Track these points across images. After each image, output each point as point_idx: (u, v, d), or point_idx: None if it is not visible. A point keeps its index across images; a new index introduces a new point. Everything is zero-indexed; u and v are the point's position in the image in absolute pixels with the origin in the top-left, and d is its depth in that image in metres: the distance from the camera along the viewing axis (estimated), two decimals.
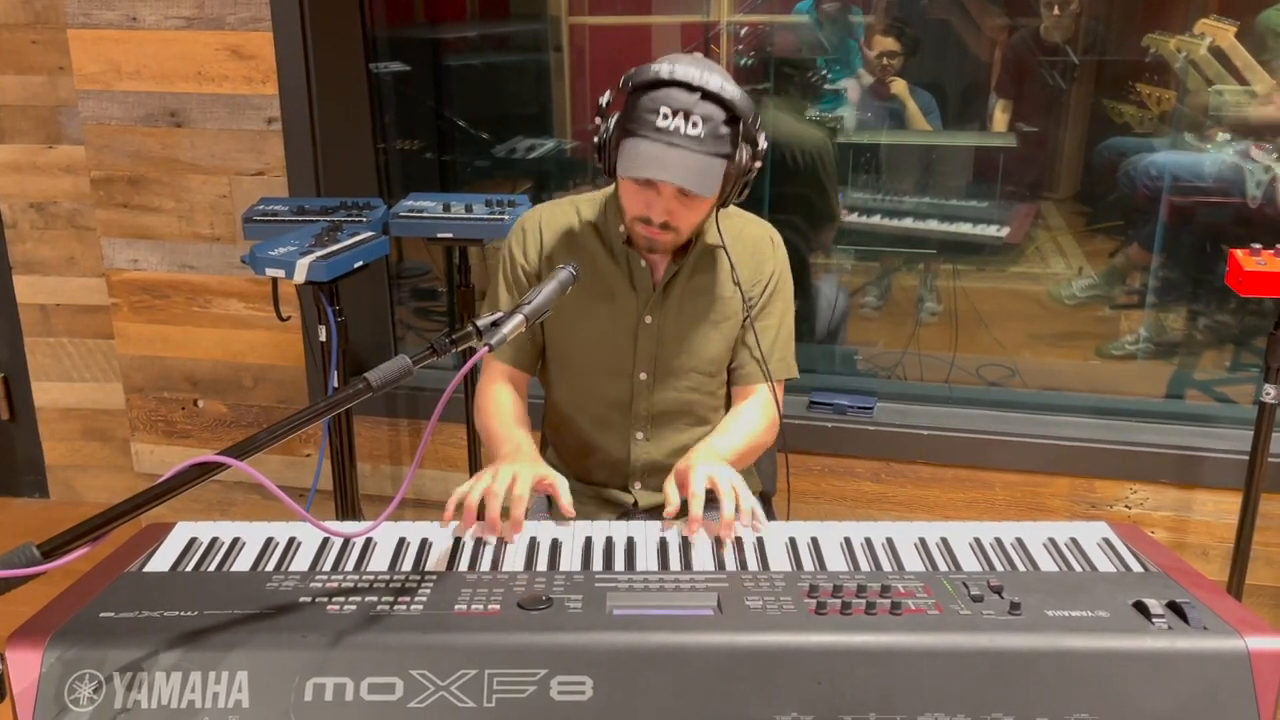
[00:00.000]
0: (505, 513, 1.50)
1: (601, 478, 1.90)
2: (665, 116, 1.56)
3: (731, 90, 1.58)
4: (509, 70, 3.32)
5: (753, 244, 1.84)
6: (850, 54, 3.05)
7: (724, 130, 1.59)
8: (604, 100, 1.66)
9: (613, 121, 1.66)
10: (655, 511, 1.70)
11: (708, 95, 1.57)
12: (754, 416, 1.83)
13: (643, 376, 1.82)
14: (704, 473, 1.54)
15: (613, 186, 1.79)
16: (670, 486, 1.58)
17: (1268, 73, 2.67)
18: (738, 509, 1.49)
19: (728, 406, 1.90)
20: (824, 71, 3.01)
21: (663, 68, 1.58)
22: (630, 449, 1.86)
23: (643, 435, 1.85)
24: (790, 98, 2.97)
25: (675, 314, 1.80)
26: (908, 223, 3.01)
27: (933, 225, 3.00)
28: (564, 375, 1.88)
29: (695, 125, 1.56)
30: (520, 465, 1.57)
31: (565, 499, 1.56)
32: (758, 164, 1.68)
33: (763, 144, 1.67)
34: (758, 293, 1.83)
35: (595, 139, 1.69)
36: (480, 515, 1.51)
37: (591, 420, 1.87)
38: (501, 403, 1.83)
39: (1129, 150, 2.87)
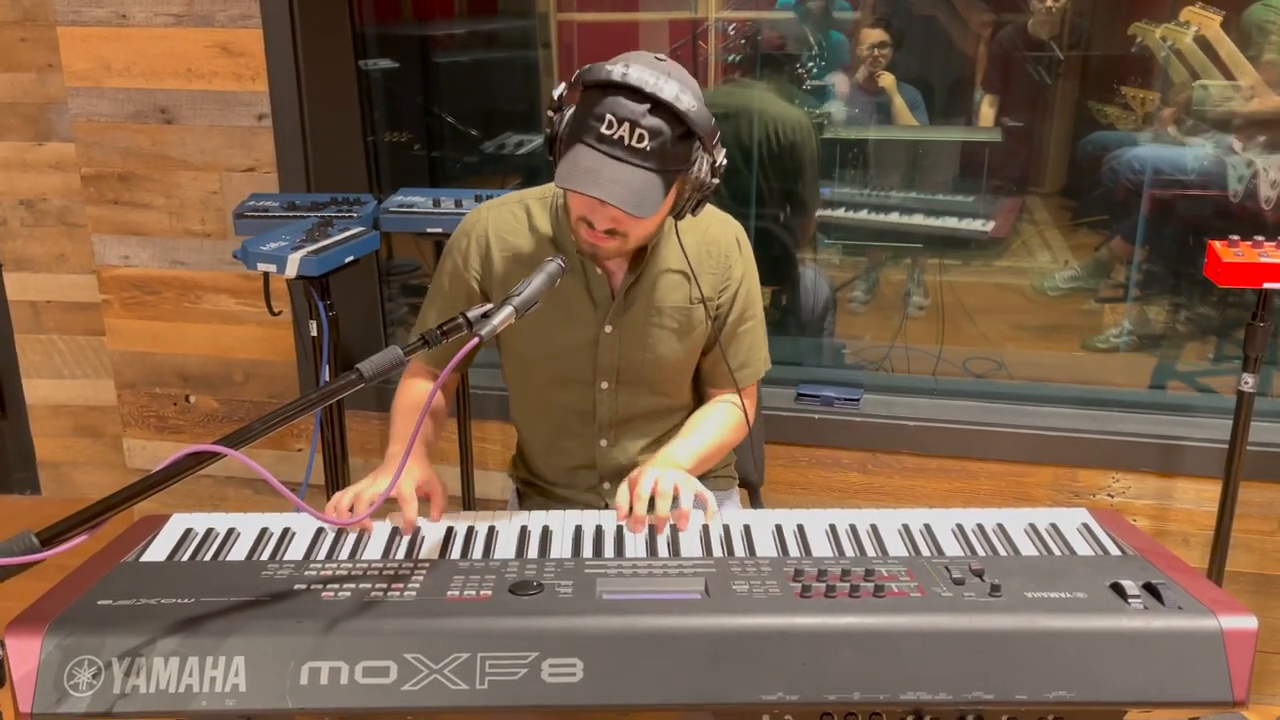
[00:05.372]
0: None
1: (570, 479, 1.87)
2: (610, 125, 1.45)
3: (688, 102, 1.45)
4: (497, 66, 3.33)
5: (718, 247, 1.76)
6: (837, 49, 3.07)
7: (675, 145, 1.47)
8: (557, 94, 1.54)
9: (567, 115, 1.53)
10: None
11: (659, 106, 1.44)
12: (722, 418, 1.79)
13: (604, 385, 1.77)
14: (652, 476, 1.52)
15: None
16: (622, 489, 1.54)
17: (1253, 67, 2.69)
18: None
19: (697, 404, 1.86)
20: (810, 66, 3.02)
21: (615, 69, 1.45)
22: (595, 455, 1.83)
23: (606, 442, 1.82)
24: (777, 92, 2.99)
25: (636, 323, 1.73)
26: (894, 217, 3.02)
27: (919, 220, 3.02)
28: (525, 385, 1.84)
29: (641, 139, 1.45)
30: (385, 478, 1.53)
31: (439, 506, 1.57)
32: (716, 180, 1.57)
33: (721, 160, 1.55)
34: (726, 299, 1.77)
35: (546, 131, 1.56)
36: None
37: (555, 428, 1.84)
38: (409, 397, 1.79)
39: (1113, 145, 2.89)
